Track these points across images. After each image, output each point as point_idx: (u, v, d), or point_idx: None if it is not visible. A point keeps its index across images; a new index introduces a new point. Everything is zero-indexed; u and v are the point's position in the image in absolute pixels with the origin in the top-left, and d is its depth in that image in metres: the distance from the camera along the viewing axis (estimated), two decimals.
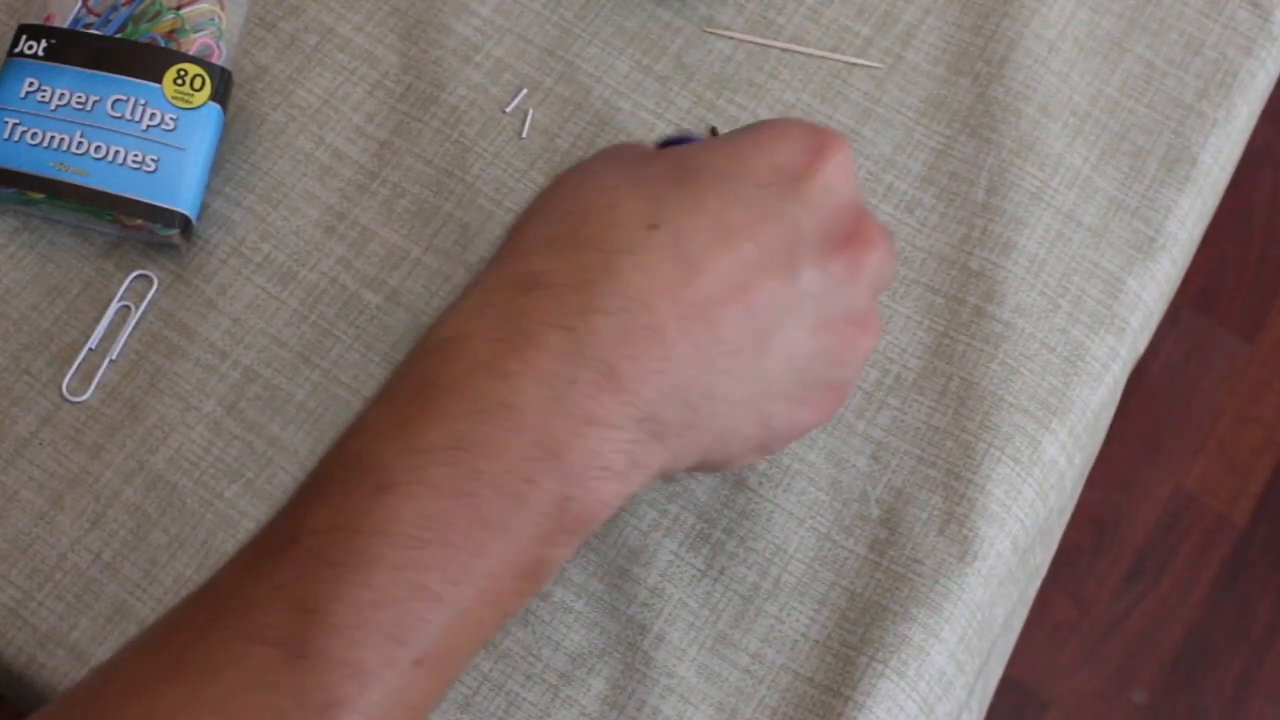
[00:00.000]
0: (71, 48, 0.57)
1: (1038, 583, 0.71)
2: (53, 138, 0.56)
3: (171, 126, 0.57)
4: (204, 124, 0.57)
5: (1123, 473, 1.40)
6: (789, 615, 0.54)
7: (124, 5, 0.58)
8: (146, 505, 0.55)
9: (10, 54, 0.57)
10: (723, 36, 0.64)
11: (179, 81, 0.57)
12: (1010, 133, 0.63)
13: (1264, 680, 1.33)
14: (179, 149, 0.56)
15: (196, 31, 0.58)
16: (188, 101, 0.57)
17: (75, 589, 0.53)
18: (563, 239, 0.40)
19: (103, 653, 0.52)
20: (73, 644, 0.52)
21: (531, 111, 0.62)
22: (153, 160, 0.56)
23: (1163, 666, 1.33)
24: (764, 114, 0.63)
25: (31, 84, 0.57)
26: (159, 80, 0.57)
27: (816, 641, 0.54)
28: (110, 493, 0.55)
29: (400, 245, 0.59)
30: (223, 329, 0.58)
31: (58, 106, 0.56)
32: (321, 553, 0.37)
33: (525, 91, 0.63)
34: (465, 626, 0.37)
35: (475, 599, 0.37)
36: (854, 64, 0.64)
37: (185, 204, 0.57)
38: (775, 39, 0.64)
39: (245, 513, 0.55)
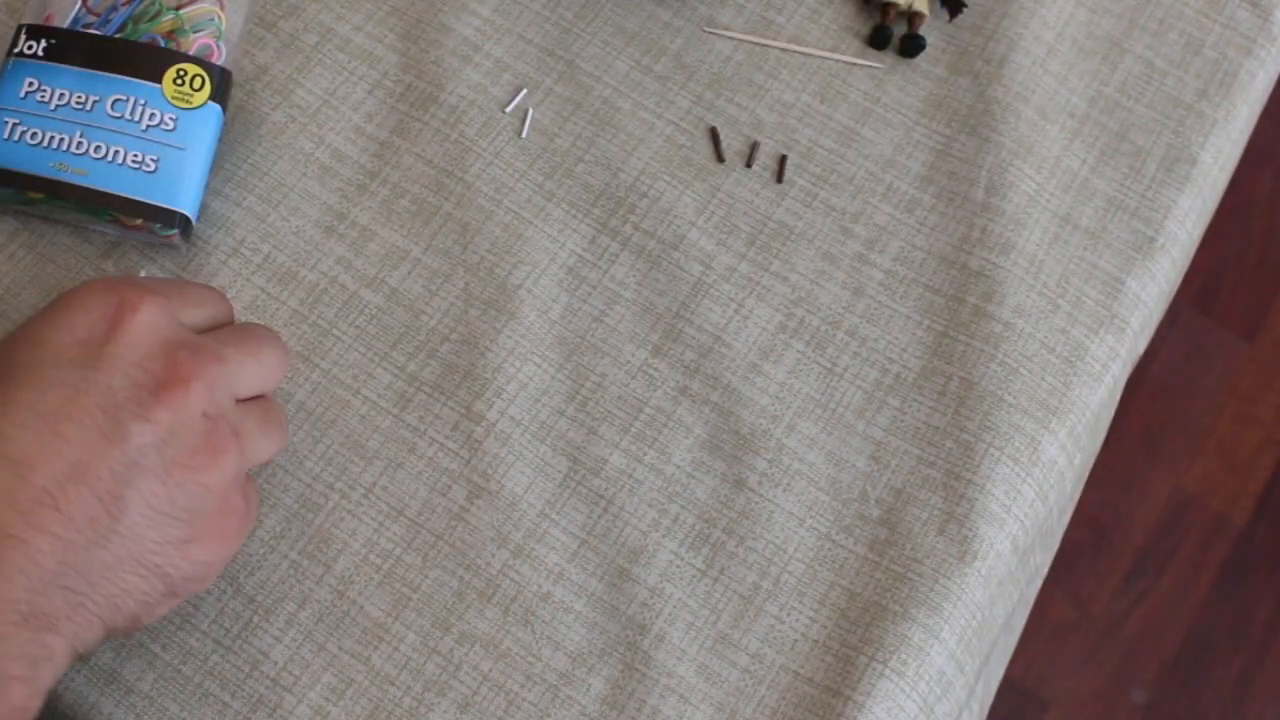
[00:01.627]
0: (71, 48, 0.57)
1: (1038, 583, 0.71)
2: (53, 138, 0.56)
3: (171, 126, 0.56)
4: (204, 124, 0.57)
5: (1123, 473, 1.40)
6: (789, 615, 0.54)
7: (123, 5, 0.58)
8: None
9: (10, 54, 0.57)
10: (723, 36, 0.64)
11: (179, 81, 0.57)
12: (1010, 133, 0.63)
13: (1264, 680, 1.33)
14: (179, 149, 0.56)
15: (196, 31, 0.58)
16: (188, 101, 0.57)
17: None
18: None
19: (102, 653, 0.52)
20: None
21: (531, 111, 0.62)
22: (152, 160, 0.56)
23: (1163, 666, 1.33)
24: (763, 114, 0.63)
25: (31, 84, 0.56)
26: (159, 80, 0.57)
27: (816, 641, 0.54)
28: None
29: (400, 245, 0.59)
30: None
31: (57, 106, 0.56)
32: None
33: (525, 91, 0.63)
34: None
35: None
36: (854, 64, 0.64)
37: (185, 204, 0.56)
38: (775, 39, 0.64)
39: None
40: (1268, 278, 1.50)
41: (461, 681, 0.52)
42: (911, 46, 0.64)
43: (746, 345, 0.59)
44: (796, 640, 0.54)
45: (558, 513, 0.55)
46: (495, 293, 0.59)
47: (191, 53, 0.58)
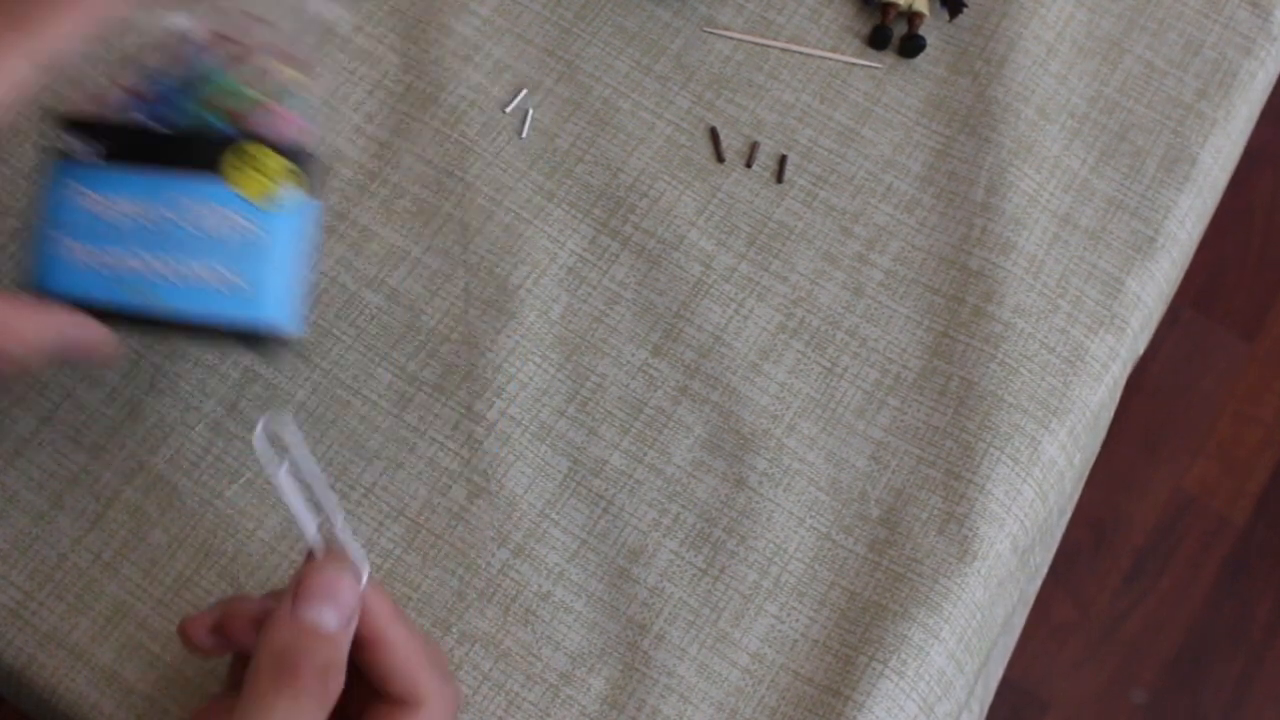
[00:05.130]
0: (124, 145, 0.48)
1: (1038, 583, 0.71)
2: (118, 258, 0.48)
3: (253, 229, 0.48)
4: (290, 222, 0.48)
5: (1122, 473, 1.40)
6: (789, 615, 0.54)
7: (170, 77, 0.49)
8: (146, 505, 0.55)
9: (48, 153, 0.49)
10: (722, 36, 0.64)
11: (256, 173, 0.48)
12: (1009, 133, 0.63)
13: (1263, 680, 1.33)
14: (263, 255, 0.48)
15: (284, 102, 0.49)
16: (268, 196, 0.48)
17: (75, 589, 0.53)
18: None
19: (103, 653, 0.52)
20: (73, 644, 0.52)
21: (531, 111, 0.62)
22: (234, 274, 0.48)
23: (1162, 666, 1.33)
24: (763, 114, 0.63)
25: (83, 194, 0.48)
26: (225, 174, 0.48)
27: (816, 641, 0.54)
28: (110, 493, 0.55)
29: (400, 245, 0.59)
30: None
31: (117, 218, 0.48)
32: None
33: (525, 91, 0.63)
34: None
35: None
36: (854, 64, 0.64)
37: (280, 318, 0.48)
38: (775, 39, 0.64)
39: (245, 512, 0.55)
40: (1268, 278, 1.50)
41: (462, 681, 0.52)
42: (911, 47, 0.64)
43: (746, 345, 0.59)
44: (796, 640, 0.54)
45: (558, 512, 0.55)
46: (495, 293, 0.59)
47: (286, 136, 0.48)
